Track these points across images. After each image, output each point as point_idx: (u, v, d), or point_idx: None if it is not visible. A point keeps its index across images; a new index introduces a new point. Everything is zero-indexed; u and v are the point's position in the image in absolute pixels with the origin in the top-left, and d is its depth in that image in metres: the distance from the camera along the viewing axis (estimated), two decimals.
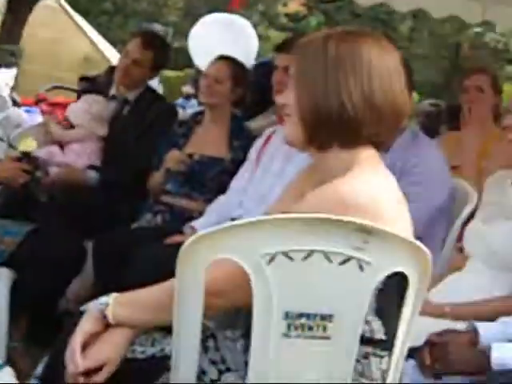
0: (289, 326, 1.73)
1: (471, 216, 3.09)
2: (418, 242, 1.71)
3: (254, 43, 6.76)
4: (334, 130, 1.91)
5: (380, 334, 1.83)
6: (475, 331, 2.41)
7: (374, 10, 20.58)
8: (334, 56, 1.90)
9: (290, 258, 1.69)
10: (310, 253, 1.69)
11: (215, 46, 5.54)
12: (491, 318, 2.53)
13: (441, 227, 3.23)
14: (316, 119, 1.91)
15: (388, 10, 20.46)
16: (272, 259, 1.70)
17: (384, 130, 1.94)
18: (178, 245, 1.71)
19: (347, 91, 1.88)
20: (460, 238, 3.18)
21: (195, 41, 6.98)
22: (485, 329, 2.41)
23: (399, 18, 23.29)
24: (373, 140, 1.94)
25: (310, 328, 1.73)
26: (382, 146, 1.98)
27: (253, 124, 4.51)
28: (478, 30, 24.46)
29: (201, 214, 3.69)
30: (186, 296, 1.73)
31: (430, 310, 2.46)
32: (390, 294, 1.78)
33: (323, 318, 1.72)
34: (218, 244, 1.69)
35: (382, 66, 1.91)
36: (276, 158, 3.51)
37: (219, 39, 6.43)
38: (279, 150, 3.48)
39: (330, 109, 1.89)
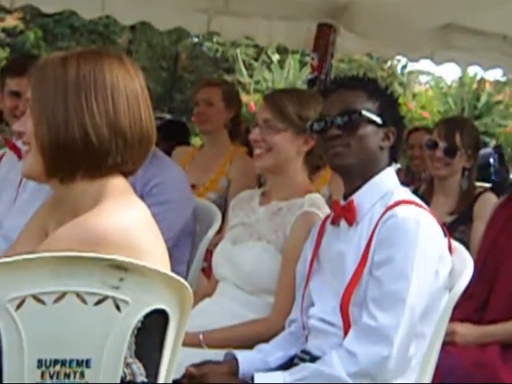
0: (43, 375, 1.61)
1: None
2: (177, 276, 1.66)
3: None
4: (78, 160, 1.78)
5: (141, 377, 1.73)
6: (235, 360, 2.41)
7: (93, 24, 20.41)
8: (74, 78, 1.77)
9: (41, 302, 1.59)
10: (63, 294, 1.59)
11: None
12: (247, 344, 2.55)
13: (185, 249, 3.20)
14: (57, 150, 1.76)
15: (106, 22, 20.50)
16: (21, 304, 1.58)
17: (131, 157, 1.84)
18: None
19: (91, 117, 1.76)
20: (205, 259, 3.18)
21: None
22: (244, 357, 2.42)
23: (118, 31, 23.26)
24: (120, 169, 1.84)
25: (67, 375, 1.62)
26: (130, 174, 1.89)
27: None
28: (196, 39, 25.00)
29: None
30: None
31: (184, 340, 2.43)
32: (150, 333, 1.70)
33: (80, 363, 1.62)
34: None
35: (128, 89, 1.81)
36: (8, 185, 3.30)
37: None
38: (10, 175, 3.29)
39: (72, 138, 1.75)
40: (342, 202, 2.43)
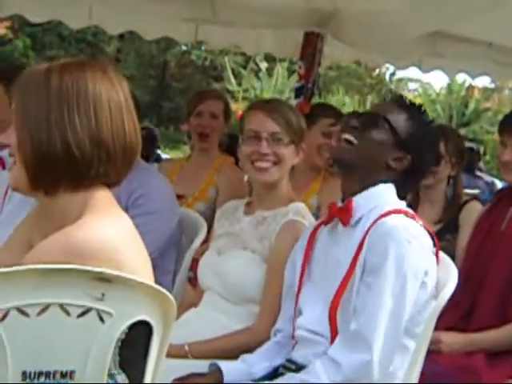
0: None
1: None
2: (160, 288, 1.66)
3: None
4: (60, 173, 1.78)
5: None
6: (220, 371, 2.41)
7: (81, 32, 20.42)
8: (57, 90, 1.77)
9: (25, 314, 1.59)
10: (46, 306, 1.60)
11: None
12: (232, 354, 2.55)
13: (171, 259, 3.19)
14: (39, 162, 1.77)
15: (95, 31, 20.50)
16: (4, 316, 1.58)
17: (115, 169, 1.84)
18: None
19: (73, 130, 1.76)
20: (191, 268, 3.17)
21: None
22: (228, 368, 2.42)
23: (106, 40, 23.29)
24: (103, 181, 1.85)
25: None
26: (114, 185, 1.89)
27: None
28: (184, 48, 25.05)
29: None
30: None
31: (169, 352, 2.43)
32: (135, 344, 1.70)
33: (64, 375, 1.63)
34: None
35: (111, 101, 1.81)
36: None
37: None
38: None
39: (54, 151, 1.75)
40: (340, 204, 2.45)
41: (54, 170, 1.78)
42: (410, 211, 2.39)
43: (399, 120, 2.41)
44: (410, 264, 2.23)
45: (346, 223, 2.38)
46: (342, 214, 2.40)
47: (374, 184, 2.40)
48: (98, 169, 1.80)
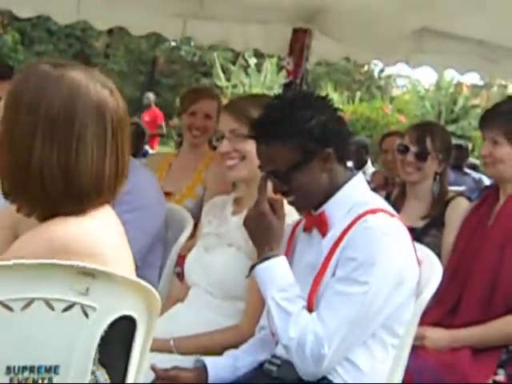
0: (11, 381, 1.62)
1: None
2: (145, 283, 1.67)
3: None
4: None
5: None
6: (204, 367, 2.41)
7: (70, 27, 20.36)
8: (44, 119, 1.73)
9: (9, 308, 1.59)
10: (31, 301, 1.60)
11: None
12: (217, 350, 2.55)
13: (157, 254, 3.18)
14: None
15: (83, 26, 20.44)
16: None
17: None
18: None
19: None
20: (179, 264, 3.17)
21: None
22: (213, 364, 2.42)
23: (95, 35, 23.22)
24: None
25: (35, 382, 1.63)
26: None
27: None
28: (174, 43, 25.01)
29: None
30: None
31: (155, 346, 2.42)
32: (114, 341, 1.70)
33: (48, 370, 1.63)
34: None
35: (96, 139, 1.78)
36: None
37: None
38: None
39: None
40: (313, 212, 2.43)
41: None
42: (389, 208, 2.38)
43: (285, 152, 2.32)
44: (387, 262, 2.22)
45: (324, 235, 2.36)
46: (319, 225, 2.39)
47: (336, 190, 2.38)
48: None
